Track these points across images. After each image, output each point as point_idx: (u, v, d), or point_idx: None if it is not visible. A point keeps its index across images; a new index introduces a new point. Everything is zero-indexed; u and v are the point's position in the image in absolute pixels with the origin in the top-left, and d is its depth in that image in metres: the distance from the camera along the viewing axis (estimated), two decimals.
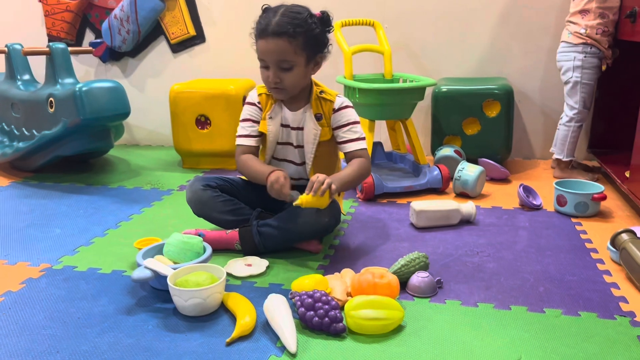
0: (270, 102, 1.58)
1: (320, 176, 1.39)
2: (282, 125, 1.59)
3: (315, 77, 1.58)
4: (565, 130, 2.17)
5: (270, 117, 1.57)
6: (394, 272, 1.32)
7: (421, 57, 2.58)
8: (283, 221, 1.50)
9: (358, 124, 1.58)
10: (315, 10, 1.51)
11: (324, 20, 1.51)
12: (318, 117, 1.55)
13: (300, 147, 1.59)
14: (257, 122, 1.60)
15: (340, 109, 1.55)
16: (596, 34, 2.02)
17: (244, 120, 1.61)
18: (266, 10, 1.49)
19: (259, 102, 1.60)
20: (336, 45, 2.21)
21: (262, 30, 1.44)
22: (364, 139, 1.57)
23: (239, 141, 1.60)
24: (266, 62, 1.47)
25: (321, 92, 1.56)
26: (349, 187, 1.56)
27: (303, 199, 1.37)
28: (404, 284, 1.33)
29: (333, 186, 1.39)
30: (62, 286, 1.39)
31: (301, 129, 1.57)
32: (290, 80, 1.47)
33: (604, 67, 2.11)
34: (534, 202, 1.90)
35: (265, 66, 1.48)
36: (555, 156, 2.23)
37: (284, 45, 1.43)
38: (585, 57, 2.06)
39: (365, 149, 1.57)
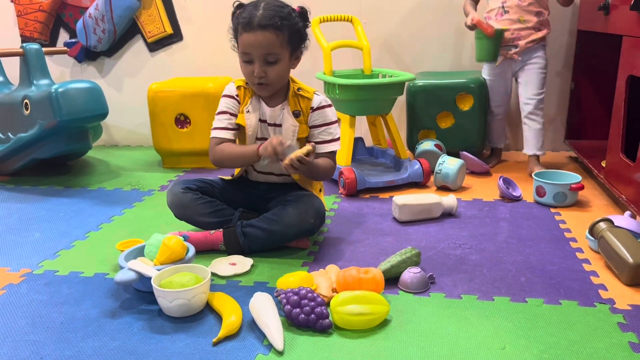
0: (249, 96, 1.56)
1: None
2: (260, 121, 1.56)
3: (294, 74, 1.58)
4: None
5: (248, 111, 1.55)
6: (385, 270, 1.32)
7: (400, 52, 2.59)
8: (268, 222, 1.49)
9: (334, 124, 1.56)
10: (293, 5, 1.50)
11: (303, 15, 1.50)
12: (296, 114, 1.53)
13: None
14: (235, 115, 1.56)
15: (318, 108, 1.54)
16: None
17: (221, 112, 1.57)
18: (242, 5, 1.48)
19: (237, 95, 1.57)
20: (315, 42, 2.21)
21: (247, 23, 1.41)
22: (337, 139, 1.56)
23: (215, 133, 1.55)
24: (251, 55, 1.44)
25: (299, 89, 1.55)
26: (310, 175, 1.54)
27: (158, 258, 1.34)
28: (395, 279, 1.34)
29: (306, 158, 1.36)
30: (43, 291, 1.37)
31: (279, 125, 1.55)
32: (274, 74, 1.46)
33: (498, 63, 2.20)
34: (514, 194, 1.93)
35: (248, 60, 1.45)
36: None
37: (271, 38, 1.41)
38: None
39: (335, 152, 1.57)
